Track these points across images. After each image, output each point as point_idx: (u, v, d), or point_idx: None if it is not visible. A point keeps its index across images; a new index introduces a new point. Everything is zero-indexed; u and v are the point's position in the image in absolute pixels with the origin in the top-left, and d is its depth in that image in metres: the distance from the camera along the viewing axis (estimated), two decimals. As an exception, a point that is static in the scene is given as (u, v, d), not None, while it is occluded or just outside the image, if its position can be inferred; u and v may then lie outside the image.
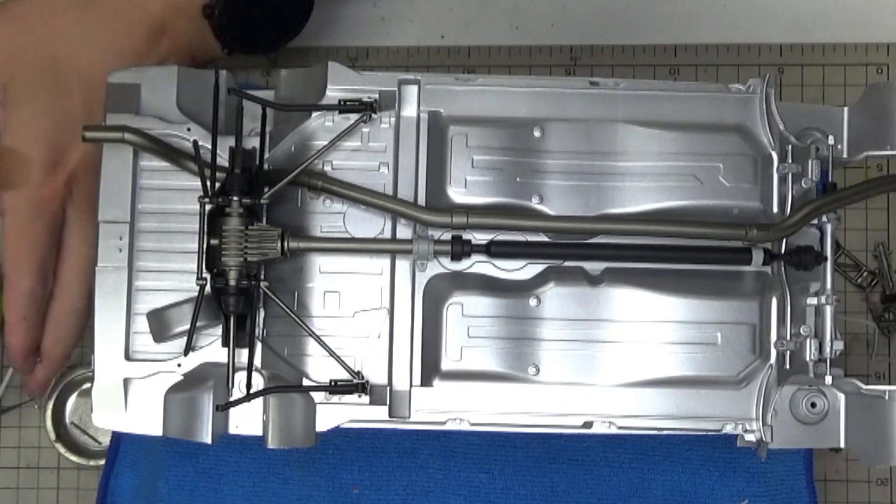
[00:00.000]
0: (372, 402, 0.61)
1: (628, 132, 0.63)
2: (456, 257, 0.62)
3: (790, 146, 0.63)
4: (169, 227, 0.62)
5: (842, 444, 0.62)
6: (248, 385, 0.61)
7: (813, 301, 0.62)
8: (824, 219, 0.62)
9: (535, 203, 0.63)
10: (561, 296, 0.62)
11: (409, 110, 0.63)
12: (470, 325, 0.62)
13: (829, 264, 0.62)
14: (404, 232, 0.62)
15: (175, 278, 0.62)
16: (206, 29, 0.70)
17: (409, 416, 0.61)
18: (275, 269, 0.62)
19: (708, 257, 0.63)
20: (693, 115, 0.63)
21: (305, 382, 0.61)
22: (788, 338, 0.62)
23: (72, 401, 0.76)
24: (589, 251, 0.63)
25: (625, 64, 0.78)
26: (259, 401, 0.61)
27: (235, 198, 0.59)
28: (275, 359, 0.62)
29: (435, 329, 0.62)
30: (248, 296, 0.60)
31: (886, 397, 0.60)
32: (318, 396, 0.61)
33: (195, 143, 0.61)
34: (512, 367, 0.62)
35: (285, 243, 0.60)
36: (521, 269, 0.63)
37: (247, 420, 0.62)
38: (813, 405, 0.62)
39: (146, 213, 0.62)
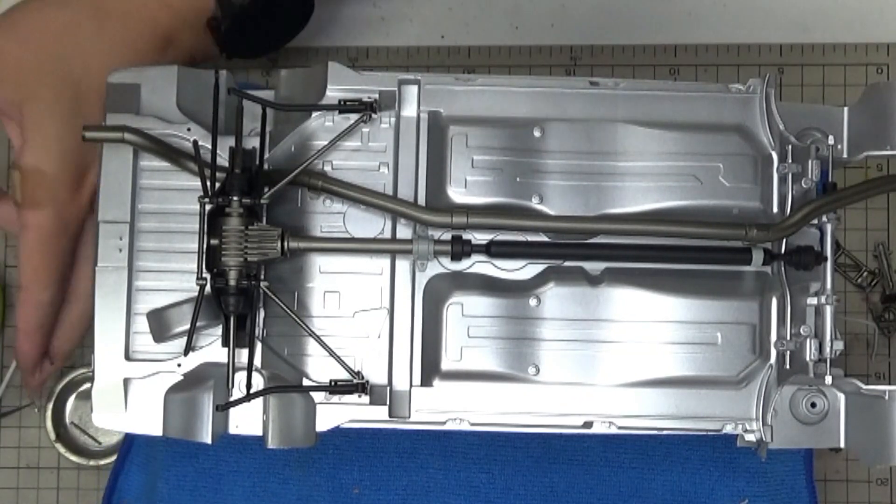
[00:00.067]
0: (372, 402, 0.61)
1: (628, 132, 0.63)
2: (456, 257, 0.62)
3: (790, 146, 0.63)
4: (169, 227, 0.62)
5: (842, 444, 0.62)
6: (248, 385, 0.61)
7: (813, 301, 0.62)
8: (824, 219, 0.62)
9: (535, 203, 0.63)
10: (561, 296, 0.62)
11: (409, 110, 0.63)
12: (470, 325, 0.62)
13: (829, 264, 0.62)
14: (404, 232, 0.62)
15: (175, 278, 0.62)
16: (209, 38, 0.71)
17: (409, 416, 0.61)
18: (275, 269, 0.62)
19: (708, 257, 0.63)
20: (693, 115, 0.63)
21: (305, 382, 0.61)
22: (788, 338, 0.62)
23: (72, 401, 0.76)
24: (589, 251, 0.63)
25: (625, 64, 0.78)
26: (259, 401, 0.61)
27: (235, 198, 0.59)
28: (275, 359, 0.62)
29: (435, 329, 0.62)
30: (248, 296, 0.60)
31: (886, 397, 0.60)
32: (318, 396, 0.61)
33: (195, 143, 0.61)
34: (512, 367, 0.62)
35: (285, 243, 0.60)
36: (521, 269, 0.63)
37: (247, 420, 0.62)
38: (813, 405, 0.62)
39: (146, 213, 0.62)
